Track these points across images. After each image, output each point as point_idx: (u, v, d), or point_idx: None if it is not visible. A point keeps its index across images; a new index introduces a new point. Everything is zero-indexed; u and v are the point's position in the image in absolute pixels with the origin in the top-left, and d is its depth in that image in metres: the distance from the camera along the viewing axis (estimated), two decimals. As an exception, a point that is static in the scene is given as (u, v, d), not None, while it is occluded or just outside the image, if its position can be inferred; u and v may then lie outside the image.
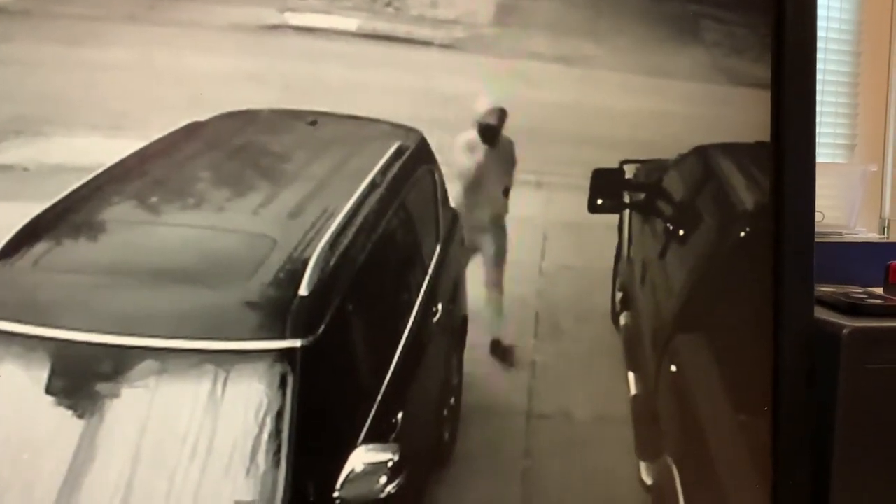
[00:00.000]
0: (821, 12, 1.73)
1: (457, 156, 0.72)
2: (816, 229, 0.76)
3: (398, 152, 0.72)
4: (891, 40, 1.87)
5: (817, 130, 1.81)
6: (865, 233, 1.38)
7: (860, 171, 1.39)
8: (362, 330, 0.68)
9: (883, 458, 0.75)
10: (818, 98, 1.84)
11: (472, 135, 0.72)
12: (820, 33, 1.78)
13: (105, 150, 0.64)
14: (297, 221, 0.66)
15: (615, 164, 0.74)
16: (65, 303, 0.61)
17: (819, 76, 1.85)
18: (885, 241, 1.57)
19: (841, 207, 1.32)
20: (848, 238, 1.25)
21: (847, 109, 1.90)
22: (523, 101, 0.71)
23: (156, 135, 0.65)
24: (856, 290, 0.89)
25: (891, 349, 0.74)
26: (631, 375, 0.75)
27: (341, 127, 0.71)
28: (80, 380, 0.59)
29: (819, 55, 1.84)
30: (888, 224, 1.78)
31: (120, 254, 0.64)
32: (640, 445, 0.74)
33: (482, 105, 0.71)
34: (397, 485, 0.64)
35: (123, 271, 0.63)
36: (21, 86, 0.63)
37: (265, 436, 0.60)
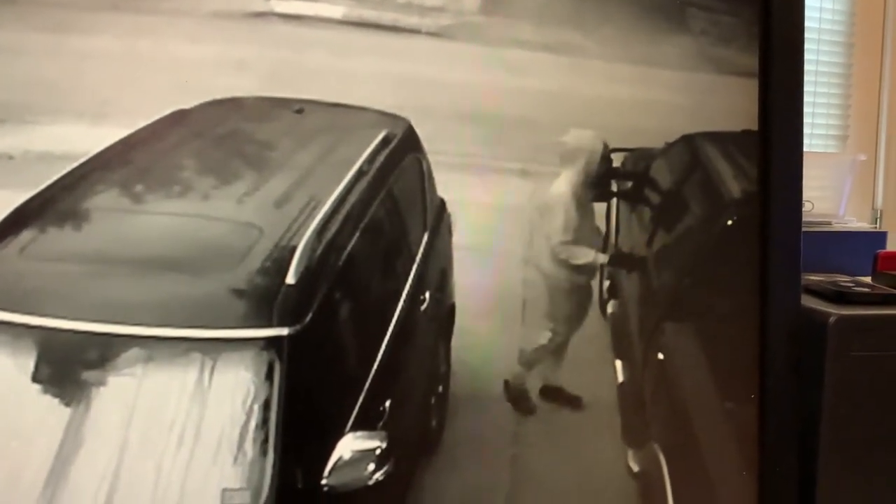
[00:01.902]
0: (814, 3, 1.73)
1: (575, 256, 0.72)
2: (806, 219, 0.77)
3: (385, 141, 0.72)
4: (883, 31, 1.87)
5: (810, 121, 1.81)
6: (855, 222, 1.38)
7: (850, 161, 1.39)
8: (350, 318, 0.68)
9: (869, 445, 0.75)
10: (811, 89, 1.85)
11: (563, 196, 0.72)
12: (813, 24, 1.78)
13: (90, 138, 0.64)
14: (284, 210, 0.66)
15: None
16: (51, 291, 0.61)
17: (812, 67, 1.86)
18: (875, 230, 1.57)
19: (831, 197, 1.32)
20: (837, 227, 1.25)
21: (840, 101, 1.90)
22: (510, 89, 0.71)
23: (141, 123, 0.65)
24: (844, 279, 0.89)
25: (877, 337, 0.75)
26: (618, 363, 0.75)
27: (328, 115, 0.71)
28: (67, 368, 0.59)
29: (812, 46, 1.84)
30: (881, 215, 1.79)
31: (106, 242, 0.64)
32: (627, 432, 0.74)
33: (586, 140, 0.72)
34: (385, 472, 0.65)
35: (109, 259, 0.62)
36: (6, 73, 0.63)
37: (252, 424, 0.60)
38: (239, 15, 0.67)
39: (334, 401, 0.65)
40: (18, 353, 0.59)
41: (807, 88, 1.74)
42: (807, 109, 1.85)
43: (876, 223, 1.76)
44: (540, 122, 0.72)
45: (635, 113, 0.74)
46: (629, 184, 0.76)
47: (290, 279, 0.62)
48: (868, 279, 0.93)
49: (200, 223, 0.65)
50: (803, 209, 0.77)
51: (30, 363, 0.59)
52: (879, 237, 1.23)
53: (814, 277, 0.88)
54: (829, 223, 1.25)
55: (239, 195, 0.66)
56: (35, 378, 0.59)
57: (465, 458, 0.73)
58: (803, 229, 0.76)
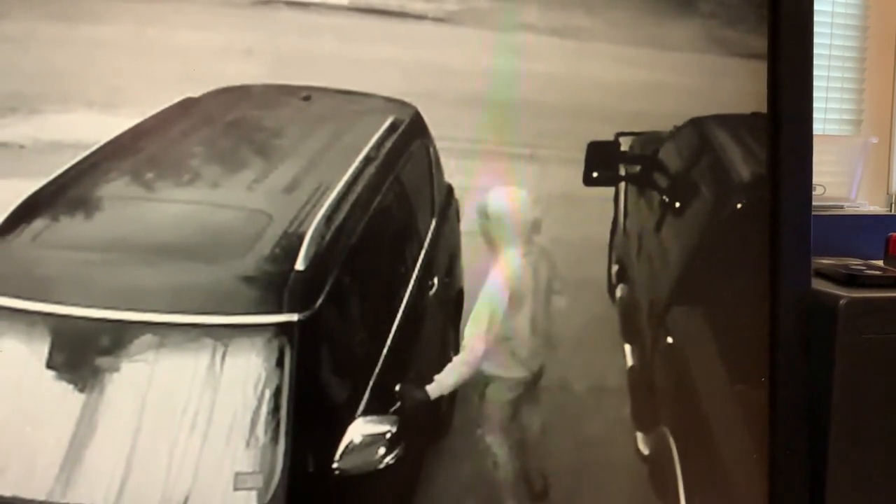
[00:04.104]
0: (828, -12, 1.70)
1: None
2: (817, 202, 0.76)
3: (392, 127, 0.72)
4: (899, 15, 1.85)
5: (824, 106, 1.78)
6: (867, 206, 1.36)
7: (861, 144, 1.37)
8: (359, 303, 0.68)
9: (879, 428, 0.75)
10: (824, 74, 1.82)
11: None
12: (826, 8, 1.76)
13: (100, 127, 0.65)
14: (293, 197, 0.67)
15: (610, 137, 0.73)
16: (64, 278, 0.62)
17: (825, 51, 1.83)
18: (887, 213, 1.56)
19: (843, 181, 1.31)
20: (849, 211, 1.24)
21: (854, 85, 1.88)
22: (518, 73, 0.71)
23: (150, 111, 0.65)
24: (855, 262, 0.89)
25: (887, 319, 0.74)
26: (627, 347, 0.75)
27: (335, 102, 0.71)
28: (81, 354, 0.60)
29: (825, 30, 1.82)
30: (895, 199, 1.77)
31: (117, 230, 0.64)
32: (637, 416, 0.75)
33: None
34: (395, 456, 0.65)
35: (121, 247, 0.63)
36: (16, 63, 0.64)
37: (264, 408, 0.61)
38: (246, 2, 0.67)
39: (344, 385, 0.66)
40: (33, 340, 0.60)
41: (821, 73, 1.71)
42: (821, 94, 1.84)
43: (891, 207, 1.74)
44: (548, 105, 0.72)
45: (643, 96, 0.74)
46: (637, 168, 0.75)
47: (300, 265, 0.63)
48: (880, 262, 0.93)
49: (210, 210, 0.66)
50: (814, 193, 0.77)
51: (44, 350, 0.60)
52: (892, 220, 1.22)
53: (825, 261, 0.88)
54: (841, 207, 1.24)
55: (248, 182, 0.67)
56: (49, 364, 0.60)
57: (474, 442, 0.73)
58: (815, 213, 0.75)
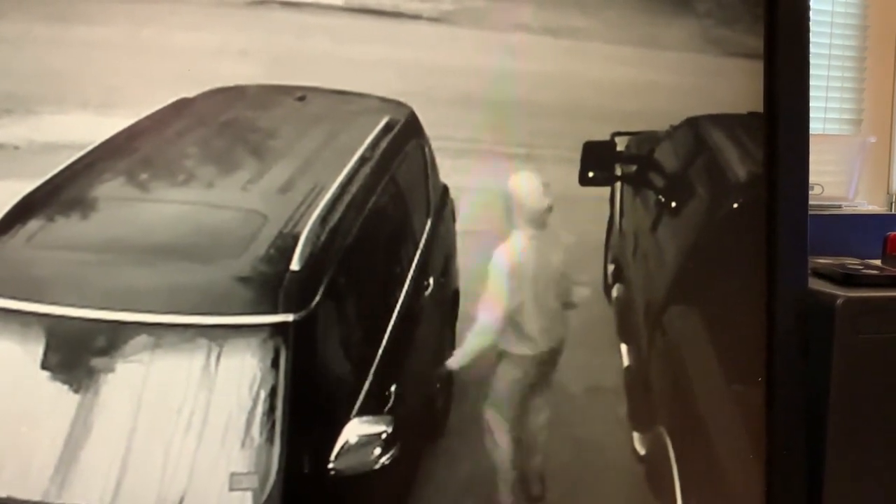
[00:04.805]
0: (828, -14, 1.70)
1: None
2: (815, 202, 0.76)
3: (387, 127, 0.72)
4: (899, 14, 1.85)
5: (823, 105, 1.78)
6: (865, 205, 1.36)
7: (860, 143, 1.37)
8: (355, 304, 0.68)
9: (877, 428, 0.75)
10: (824, 73, 1.82)
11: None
12: (826, 7, 1.76)
13: (95, 128, 0.65)
14: (288, 197, 0.67)
15: (606, 137, 0.73)
16: (59, 279, 0.62)
17: (825, 51, 1.83)
18: (885, 212, 1.55)
19: (842, 181, 1.30)
20: (847, 210, 1.24)
21: (854, 84, 1.88)
22: (513, 73, 0.71)
23: (145, 111, 0.65)
24: (852, 262, 0.89)
25: (885, 319, 0.74)
26: (623, 347, 0.75)
27: (330, 102, 0.71)
28: (75, 355, 0.60)
29: (825, 29, 1.82)
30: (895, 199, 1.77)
31: (112, 230, 0.64)
32: (634, 416, 0.74)
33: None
34: (391, 456, 0.65)
35: (116, 248, 0.63)
36: (11, 64, 0.64)
37: (259, 409, 0.61)
38: (241, 3, 0.67)
39: (340, 386, 0.66)
40: (27, 341, 0.60)
41: (820, 72, 1.71)
42: (820, 93, 1.84)
43: (891, 207, 1.74)
44: (543, 105, 0.72)
45: (639, 96, 0.74)
46: (633, 167, 0.75)
47: (295, 265, 0.63)
48: (878, 262, 0.93)
49: (205, 211, 0.66)
50: (812, 192, 0.76)
51: (39, 350, 0.60)
52: (890, 220, 1.22)
53: (822, 260, 0.88)
54: (839, 206, 1.24)
55: (243, 183, 0.67)
56: (44, 365, 0.60)
57: (471, 442, 0.73)
58: (812, 212, 0.75)
